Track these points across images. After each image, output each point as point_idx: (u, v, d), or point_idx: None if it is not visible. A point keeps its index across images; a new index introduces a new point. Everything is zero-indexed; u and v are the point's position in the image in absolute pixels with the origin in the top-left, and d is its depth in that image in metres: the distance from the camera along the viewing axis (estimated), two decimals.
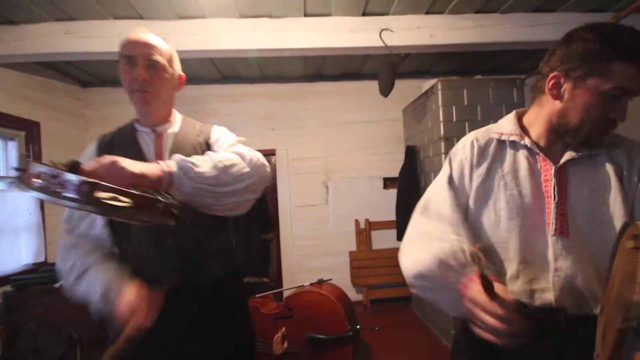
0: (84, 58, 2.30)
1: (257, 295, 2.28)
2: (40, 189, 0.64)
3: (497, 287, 0.62)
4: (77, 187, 0.64)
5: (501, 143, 0.86)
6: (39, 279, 2.31)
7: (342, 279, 3.15)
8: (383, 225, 3.36)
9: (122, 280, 0.89)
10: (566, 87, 0.75)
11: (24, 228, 2.50)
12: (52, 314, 2.23)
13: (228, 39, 2.18)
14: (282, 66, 3.02)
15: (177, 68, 1.07)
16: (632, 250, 0.59)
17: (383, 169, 3.40)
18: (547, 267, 0.76)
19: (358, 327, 2.07)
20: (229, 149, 1.00)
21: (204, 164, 0.85)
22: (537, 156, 0.81)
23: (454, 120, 2.43)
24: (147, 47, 0.95)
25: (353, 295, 3.25)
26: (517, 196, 0.80)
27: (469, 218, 0.85)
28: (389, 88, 2.43)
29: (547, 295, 0.75)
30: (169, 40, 2.44)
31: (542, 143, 0.82)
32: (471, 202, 0.85)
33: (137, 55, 0.94)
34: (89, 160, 0.96)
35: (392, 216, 3.19)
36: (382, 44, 2.22)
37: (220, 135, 1.09)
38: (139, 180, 0.76)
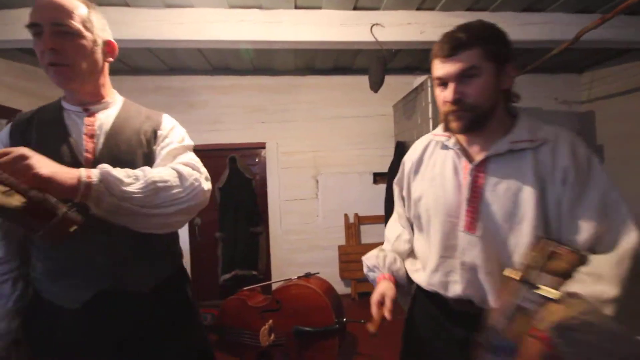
0: None
1: (244, 288, 2.29)
2: None
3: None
4: None
5: (437, 144, 0.91)
6: None
7: (331, 273, 3.18)
8: (372, 219, 3.39)
9: None
10: None
11: None
12: None
13: (216, 29, 2.14)
14: (272, 59, 2.99)
15: (101, 32, 0.88)
16: (511, 280, 0.68)
17: (373, 164, 3.42)
18: (458, 262, 0.82)
19: (344, 319, 2.10)
20: (173, 157, 0.90)
21: (134, 181, 0.76)
22: (460, 155, 0.84)
23: None
24: (52, 9, 0.79)
25: (341, 288, 3.29)
26: (441, 194, 0.84)
27: (412, 215, 0.96)
28: (379, 84, 2.43)
29: (457, 287, 0.82)
30: (156, 28, 2.35)
31: (463, 140, 0.85)
32: (412, 201, 0.93)
33: (42, 22, 0.78)
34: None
35: (381, 211, 3.22)
36: (372, 39, 2.22)
37: (171, 130, 0.96)
38: (46, 184, 0.65)
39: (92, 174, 0.72)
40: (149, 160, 0.90)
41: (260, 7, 2.16)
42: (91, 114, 0.89)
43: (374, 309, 0.90)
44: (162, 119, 0.97)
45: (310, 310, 2.04)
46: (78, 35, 0.81)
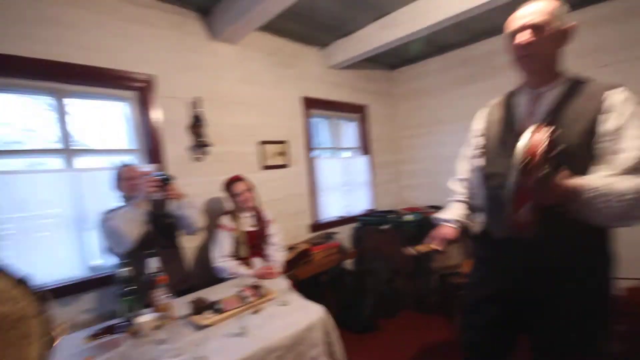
0: (393, 45, 2.71)
1: None
2: None
3: None
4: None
5: None
6: (371, 220, 3.19)
7: None
8: None
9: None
10: None
11: (362, 184, 3.51)
12: (380, 248, 3.01)
13: None
14: None
15: (561, 21, 0.96)
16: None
17: None
18: None
19: None
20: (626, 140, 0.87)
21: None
22: None
23: None
24: (521, 18, 0.98)
25: None
26: None
27: None
28: None
29: None
30: None
31: None
32: None
33: (515, 29, 0.99)
34: (481, 120, 1.19)
35: None
36: None
37: (613, 109, 0.90)
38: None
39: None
40: (588, 137, 0.92)
41: None
42: (536, 96, 1.04)
43: None
44: (605, 96, 0.92)
45: None
46: (540, 29, 0.95)
